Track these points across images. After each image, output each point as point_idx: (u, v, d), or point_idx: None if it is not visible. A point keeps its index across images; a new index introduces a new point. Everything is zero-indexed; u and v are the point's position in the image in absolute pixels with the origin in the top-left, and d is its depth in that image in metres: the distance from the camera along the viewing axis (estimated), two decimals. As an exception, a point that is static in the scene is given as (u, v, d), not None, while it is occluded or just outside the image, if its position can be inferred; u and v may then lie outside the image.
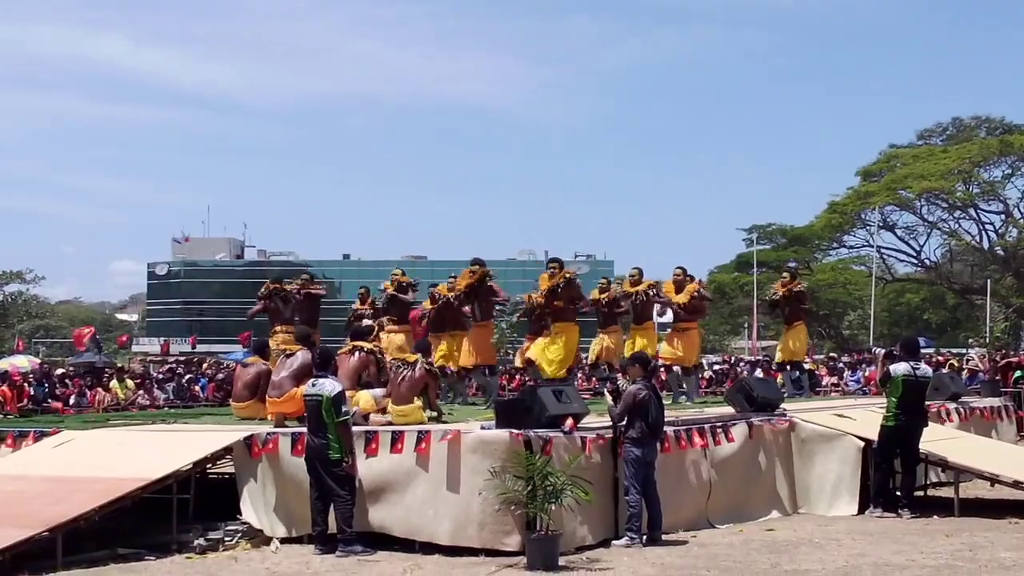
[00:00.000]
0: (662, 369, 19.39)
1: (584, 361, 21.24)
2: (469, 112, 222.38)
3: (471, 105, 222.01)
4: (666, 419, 12.61)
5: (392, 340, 18.14)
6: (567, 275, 17.30)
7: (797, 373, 21.28)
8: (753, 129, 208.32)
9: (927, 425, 14.40)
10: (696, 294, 19.05)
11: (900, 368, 14.12)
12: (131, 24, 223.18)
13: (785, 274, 21.47)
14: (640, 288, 19.10)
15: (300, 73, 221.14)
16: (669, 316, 19.79)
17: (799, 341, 20.49)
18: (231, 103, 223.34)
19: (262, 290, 18.96)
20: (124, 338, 67.83)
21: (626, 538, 11.90)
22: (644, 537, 11.87)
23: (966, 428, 17.63)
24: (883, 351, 23.90)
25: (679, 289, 19.04)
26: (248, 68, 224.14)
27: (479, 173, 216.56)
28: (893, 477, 14.29)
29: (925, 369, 14.77)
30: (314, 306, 18.76)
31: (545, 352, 17.16)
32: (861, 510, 14.16)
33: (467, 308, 18.12)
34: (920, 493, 15.51)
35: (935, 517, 13.80)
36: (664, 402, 12.96)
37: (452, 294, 18.38)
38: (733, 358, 35.99)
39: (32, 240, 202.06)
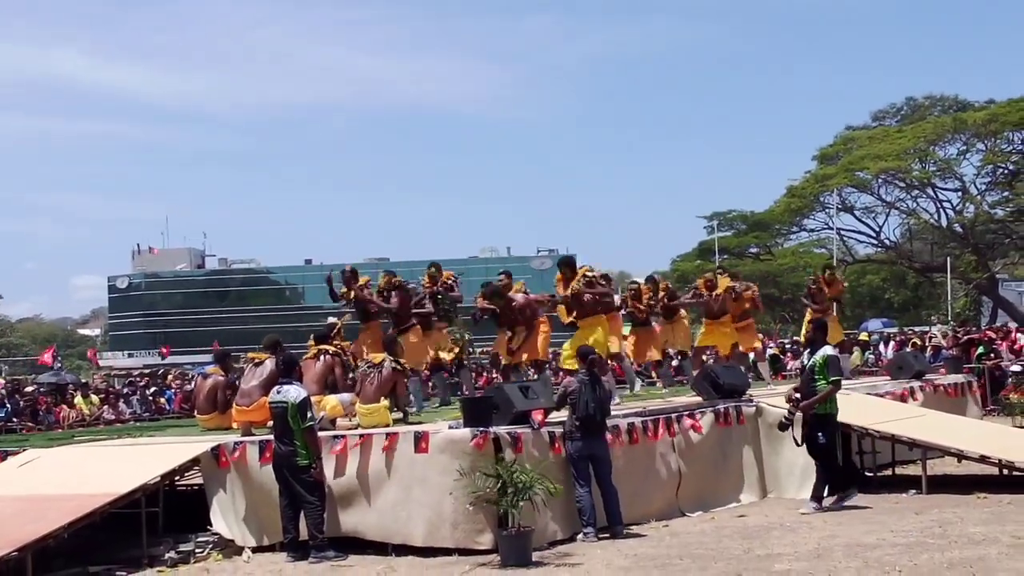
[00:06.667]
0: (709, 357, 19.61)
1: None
2: (427, 112, 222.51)
3: (428, 105, 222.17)
4: (625, 412, 12.56)
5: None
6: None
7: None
8: (710, 116, 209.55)
9: None
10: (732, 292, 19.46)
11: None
12: (84, 38, 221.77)
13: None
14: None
15: (257, 80, 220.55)
16: None
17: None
18: (186, 113, 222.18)
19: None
20: (93, 353, 66.96)
21: (581, 534, 11.92)
22: (596, 532, 11.85)
23: (931, 405, 17.74)
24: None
25: (711, 288, 19.30)
26: (204, 77, 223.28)
27: (439, 172, 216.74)
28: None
29: None
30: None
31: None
32: (831, 492, 14.22)
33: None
34: (888, 472, 15.67)
35: (904, 495, 13.93)
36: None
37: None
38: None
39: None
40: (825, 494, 13.22)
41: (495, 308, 16.09)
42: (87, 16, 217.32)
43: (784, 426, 13.36)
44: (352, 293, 16.43)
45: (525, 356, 16.48)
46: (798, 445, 13.39)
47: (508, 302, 16.05)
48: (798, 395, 13.27)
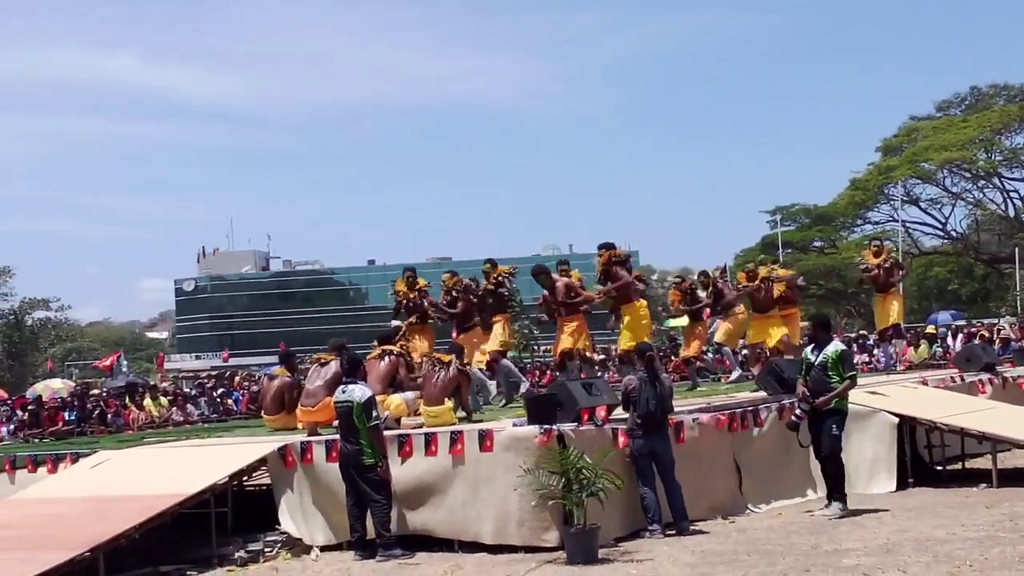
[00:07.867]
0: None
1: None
2: (485, 110, 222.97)
3: (486, 103, 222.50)
4: (689, 407, 12.49)
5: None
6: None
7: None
8: (771, 109, 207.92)
9: None
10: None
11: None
12: (143, 42, 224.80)
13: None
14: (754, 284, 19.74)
15: (312, 81, 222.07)
16: None
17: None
18: (246, 115, 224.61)
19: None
20: (161, 360, 67.44)
21: (647, 530, 11.90)
22: (662, 528, 11.84)
23: (1001, 398, 17.52)
24: None
25: (752, 280, 19.70)
26: (260, 79, 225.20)
27: (500, 171, 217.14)
28: None
29: None
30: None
31: None
32: (900, 486, 14.10)
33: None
34: (958, 466, 15.49)
35: (974, 489, 13.76)
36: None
37: None
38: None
39: (56, 263, 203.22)
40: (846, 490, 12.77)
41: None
42: (141, 20, 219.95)
43: (794, 425, 12.86)
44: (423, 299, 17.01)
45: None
46: (802, 446, 12.85)
47: (551, 290, 16.53)
48: (807, 393, 12.65)
